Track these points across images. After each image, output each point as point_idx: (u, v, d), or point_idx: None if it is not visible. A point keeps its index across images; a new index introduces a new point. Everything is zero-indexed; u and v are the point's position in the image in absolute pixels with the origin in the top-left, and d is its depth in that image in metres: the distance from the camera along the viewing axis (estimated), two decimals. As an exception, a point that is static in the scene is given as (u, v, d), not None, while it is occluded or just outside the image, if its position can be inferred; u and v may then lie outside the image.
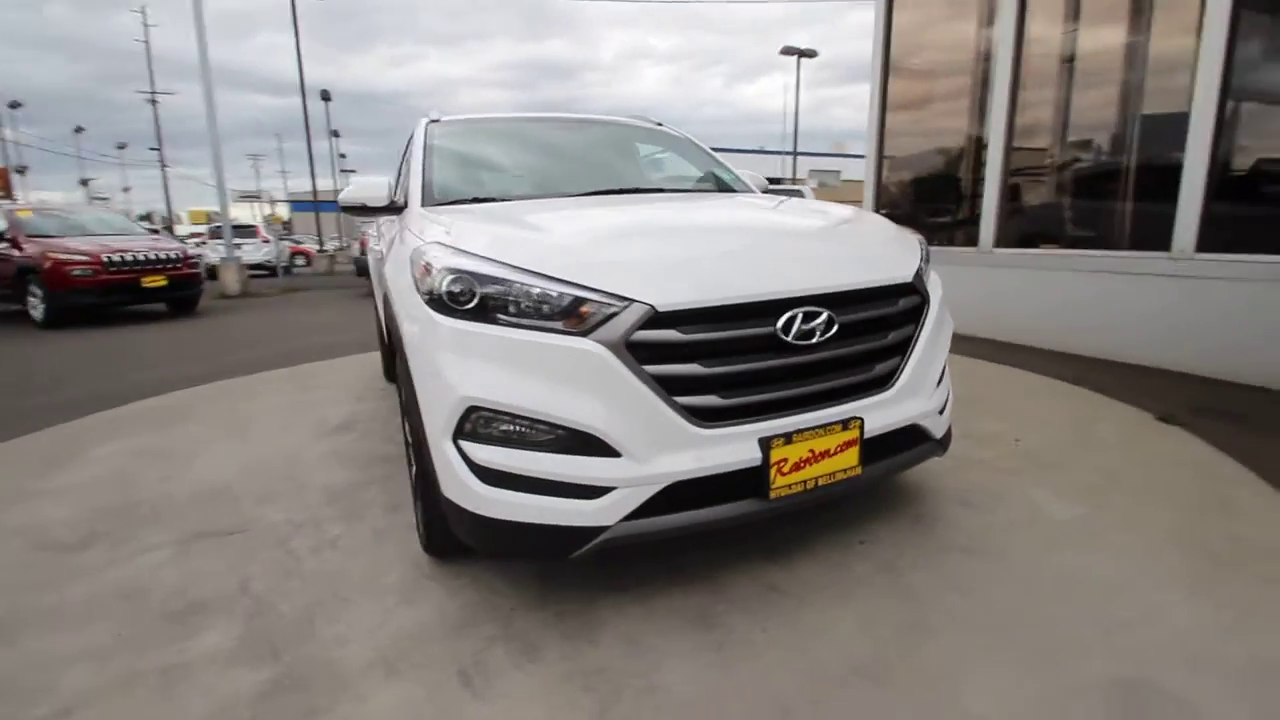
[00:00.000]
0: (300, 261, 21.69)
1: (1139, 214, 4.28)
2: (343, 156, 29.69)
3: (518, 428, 1.49)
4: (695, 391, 1.50)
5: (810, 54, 24.11)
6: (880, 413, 1.71)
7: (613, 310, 1.44)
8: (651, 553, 1.96)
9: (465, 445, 1.53)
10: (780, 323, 1.54)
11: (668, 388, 1.47)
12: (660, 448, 1.47)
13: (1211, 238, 3.64)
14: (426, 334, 1.61)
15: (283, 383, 4.60)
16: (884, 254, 1.85)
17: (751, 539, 2.05)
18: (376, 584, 1.95)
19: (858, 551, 2.00)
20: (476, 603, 1.83)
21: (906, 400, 1.78)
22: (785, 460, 1.56)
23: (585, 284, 1.47)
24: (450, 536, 1.85)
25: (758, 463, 1.54)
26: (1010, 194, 5.03)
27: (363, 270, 17.30)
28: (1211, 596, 1.70)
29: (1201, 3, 3.61)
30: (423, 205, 2.34)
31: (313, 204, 20.63)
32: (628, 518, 1.48)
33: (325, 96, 26.62)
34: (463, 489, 1.54)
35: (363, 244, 10.96)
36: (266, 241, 17.76)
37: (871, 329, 1.71)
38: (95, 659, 1.65)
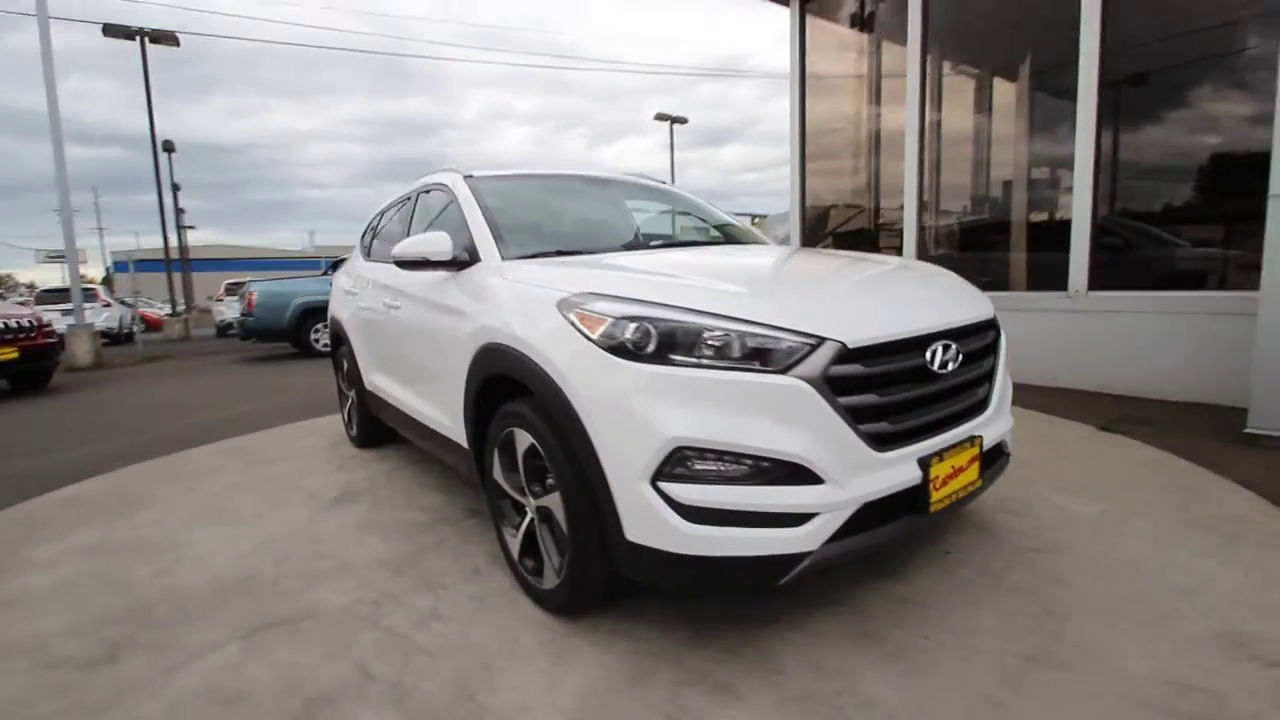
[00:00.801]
0: (139, 327, 19.19)
1: (1038, 261, 5.15)
2: (181, 211, 27.31)
3: (723, 464, 1.55)
4: (872, 419, 1.66)
5: (681, 120, 26.04)
6: (986, 431, 1.97)
7: (809, 348, 1.58)
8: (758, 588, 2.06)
9: (666, 486, 1.57)
10: (927, 355, 1.76)
11: (854, 417, 1.62)
12: (853, 472, 1.60)
13: (1098, 279, 4.48)
14: (609, 380, 1.64)
15: (225, 458, 4.11)
16: (969, 295, 2.16)
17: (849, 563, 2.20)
18: (517, 648, 1.86)
19: (950, 560, 2.22)
20: (636, 652, 1.81)
21: (998, 419, 2.06)
22: (938, 477, 1.76)
23: (781, 325, 1.60)
24: (591, 590, 1.84)
25: (919, 481, 1.72)
26: (923, 248, 5.81)
27: (228, 331, 15.73)
28: (1237, 562, 2.11)
29: (1074, 112, 4.54)
30: (503, 259, 2.34)
31: (161, 263, 18.30)
32: (828, 541, 1.59)
33: (169, 147, 24.38)
34: (663, 529, 1.57)
35: (250, 303, 10.08)
36: (108, 305, 15.59)
37: (978, 358, 1.98)
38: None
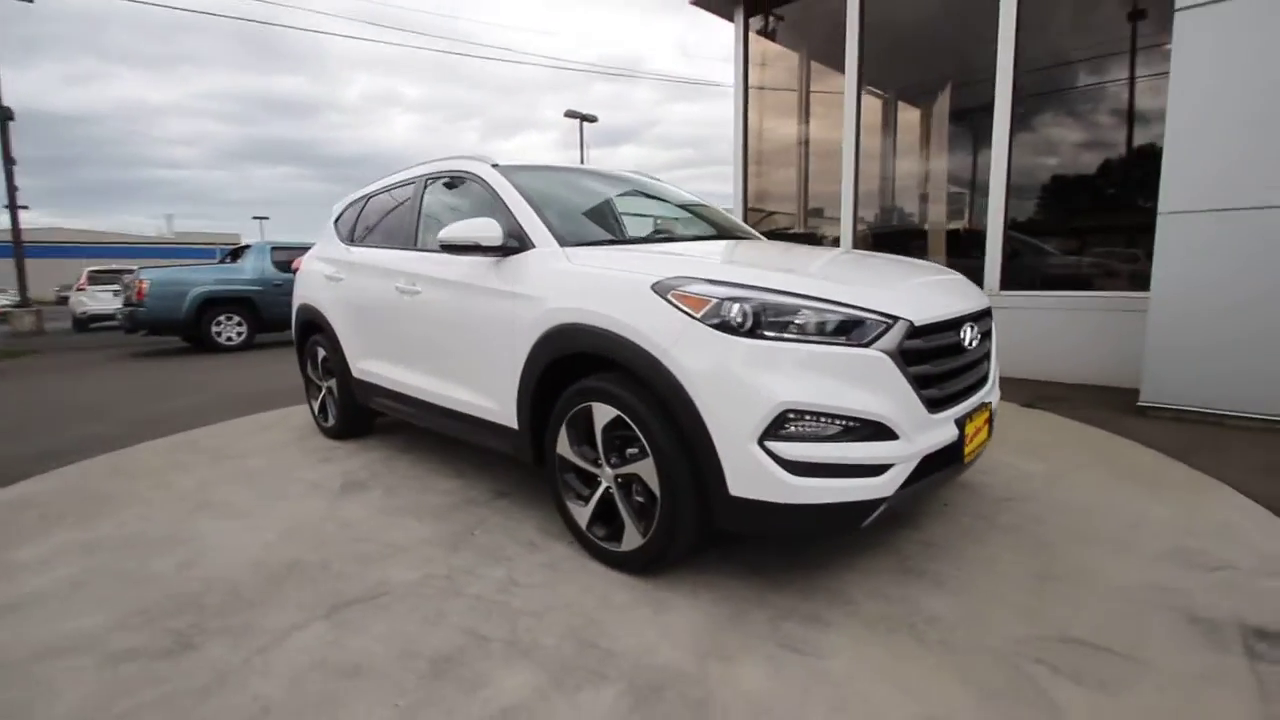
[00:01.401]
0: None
1: (955, 265, 5.86)
2: (15, 189, 24.01)
3: (819, 424, 1.81)
4: (927, 386, 1.98)
5: (591, 118, 26.14)
6: (990, 399, 2.37)
7: (886, 326, 1.87)
8: (843, 530, 2.36)
9: (772, 445, 1.79)
10: (961, 333, 2.12)
11: (917, 383, 1.93)
12: (917, 430, 1.91)
13: (1009, 280, 5.21)
14: (716, 353, 1.84)
15: (183, 454, 3.83)
16: (974, 288, 2.55)
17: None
18: (612, 604, 2.01)
19: (949, 511, 2.62)
20: (723, 599, 2.02)
21: (994, 390, 2.47)
22: (969, 435, 2.11)
23: (864, 306, 1.87)
24: (679, 548, 2.03)
25: (957, 437, 2.06)
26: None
27: (91, 325, 13.94)
28: (1162, 501, 2.66)
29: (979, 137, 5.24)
30: (561, 245, 2.46)
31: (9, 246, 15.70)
32: (900, 488, 1.89)
33: (6, 115, 21.30)
34: (770, 483, 1.79)
35: (140, 293, 9.11)
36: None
37: (985, 339, 2.37)
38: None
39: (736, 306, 1.86)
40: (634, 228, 3.04)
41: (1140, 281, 4.57)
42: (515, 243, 2.54)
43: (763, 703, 1.55)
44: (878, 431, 1.84)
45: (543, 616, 1.95)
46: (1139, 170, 5.03)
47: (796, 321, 1.84)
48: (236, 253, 10.54)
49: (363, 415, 3.98)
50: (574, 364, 2.28)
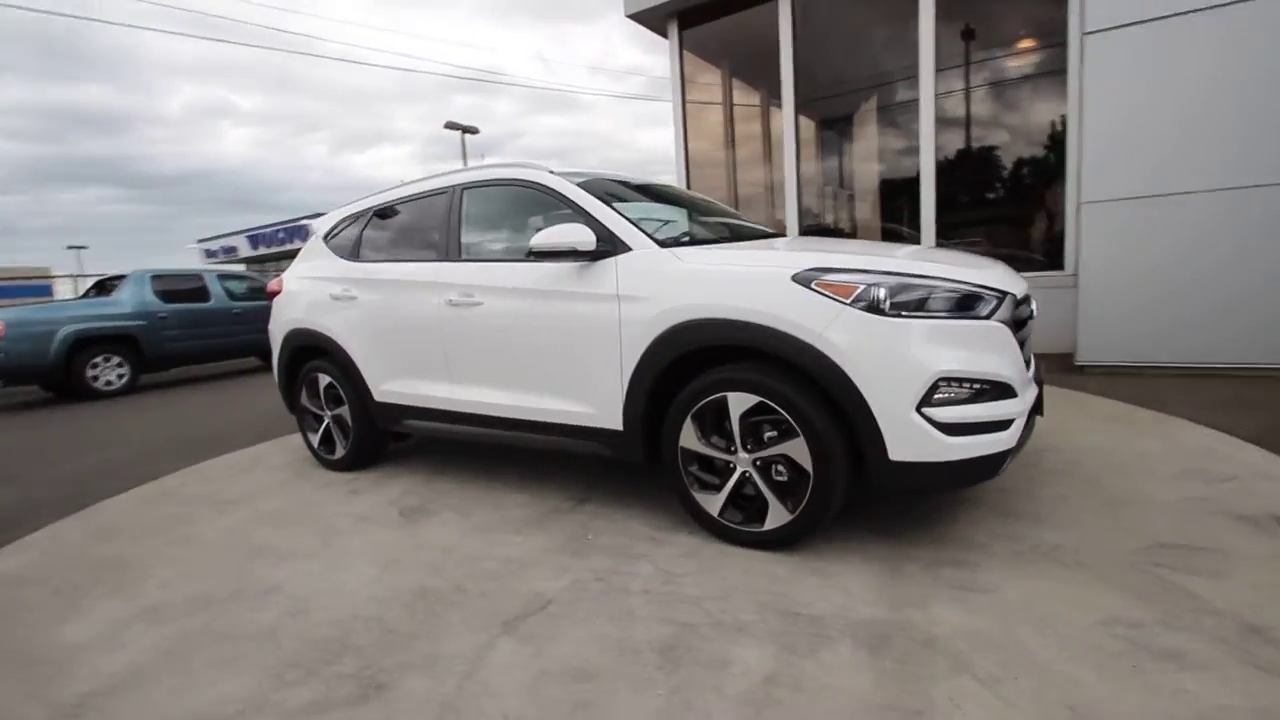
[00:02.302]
0: None
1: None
2: None
3: (962, 389, 2.05)
4: (1022, 348, 2.30)
5: (472, 130, 25.52)
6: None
7: (999, 299, 2.16)
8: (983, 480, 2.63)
9: (928, 411, 2.02)
10: (1031, 305, 2.47)
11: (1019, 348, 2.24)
12: (1024, 387, 2.21)
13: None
14: (870, 333, 2.04)
15: (172, 506, 3.40)
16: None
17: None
18: (779, 577, 2.13)
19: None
20: (874, 558, 2.21)
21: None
22: (1039, 393, 2.47)
23: (982, 284, 2.15)
24: (825, 520, 2.19)
25: (1038, 392, 2.41)
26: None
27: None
28: (1148, 436, 3.21)
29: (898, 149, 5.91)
30: (661, 247, 2.54)
31: None
32: (1019, 439, 2.18)
33: None
34: (929, 445, 2.01)
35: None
36: None
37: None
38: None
39: (882, 290, 2.07)
40: (696, 229, 3.16)
41: (1052, 263, 5.39)
42: (608, 246, 2.59)
43: (978, 633, 1.76)
44: (1003, 391, 2.12)
45: (728, 598, 2.04)
46: (1029, 170, 5.93)
47: (932, 300, 2.08)
48: (103, 284, 9.24)
49: (380, 442, 3.76)
50: (704, 355, 2.37)
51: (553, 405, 2.79)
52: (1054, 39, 5.26)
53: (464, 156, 24.48)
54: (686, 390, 2.38)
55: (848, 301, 2.08)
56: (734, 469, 2.35)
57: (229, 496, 3.49)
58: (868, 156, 7.33)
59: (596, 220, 2.66)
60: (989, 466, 2.12)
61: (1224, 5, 4.00)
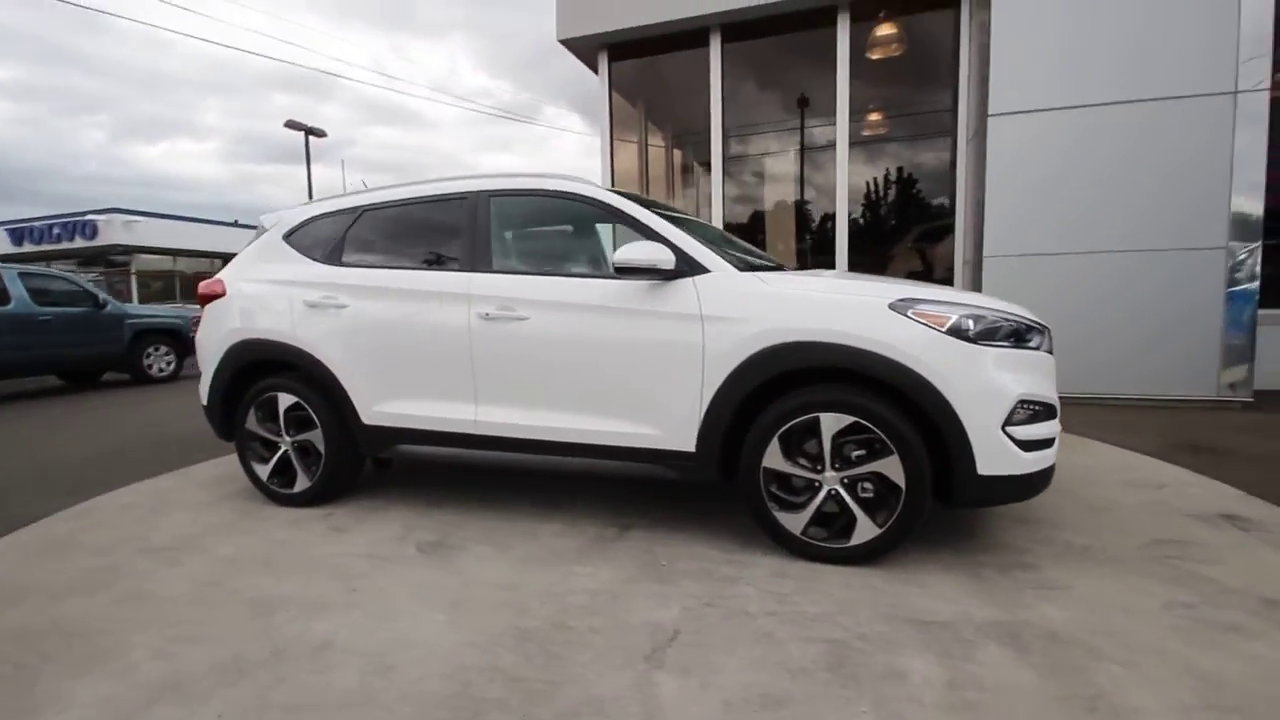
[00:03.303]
0: None
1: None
2: None
3: (1030, 410, 2.33)
4: (1046, 378, 2.67)
5: (319, 133, 23.33)
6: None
7: (1045, 331, 2.49)
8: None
9: (1010, 429, 2.26)
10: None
11: (1048, 376, 2.60)
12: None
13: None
14: (963, 359, 2.25)
15: (105, 558, 2.70)
16: None
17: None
18: (881, 589, 2.23)
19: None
20: (949, 569, 2.40)
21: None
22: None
23: (1033, 319, 2.47)
24: (912, 532, 2.35)
25: (1047, 415, 2.80)
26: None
27: None
28: (1079, 453, 3.83)
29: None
30: (739, 270, 2.59)
31: None
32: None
33: None
34: (1011, 460, 2.25)
35: None
36: None
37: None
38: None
39: (970, 321, 2.30)
40: (732, 255, 3.23)
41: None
42: (684, 266, 2.58)
43: (1085, 625, 1.99)
44: (1052, 413, 2.44)
45: (852, 613, 2.09)
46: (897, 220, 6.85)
47: (1005, 332, 2.36)
48: None
49: (356, 472, 3.31)
50: (780, 382, 2.44)
51: (609, 427, 2.67)
52: (946, 121, 6.21)
53: (307, 160, 22.32)
54: (772, 411, 2.43)
55: (943, 330, 2.29)
56: (819, 487, 2.42)
57: (161, 542, 2.85)
58: (776, 196, 7.95)
59: (668, 240, 2.64)
60: (1047, 479, 2.42)
61: (1080, 107, 5.03)
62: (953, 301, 2.38)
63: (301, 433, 3.20)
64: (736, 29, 6.67)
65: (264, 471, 3.29)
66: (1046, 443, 2.37)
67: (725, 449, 2.53)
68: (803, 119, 7.28)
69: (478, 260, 2.93)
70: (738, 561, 2.49)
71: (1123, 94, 4.84)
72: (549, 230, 3.01)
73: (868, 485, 2.38)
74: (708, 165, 7.17)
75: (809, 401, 2.39)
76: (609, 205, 2.80)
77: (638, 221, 2.72)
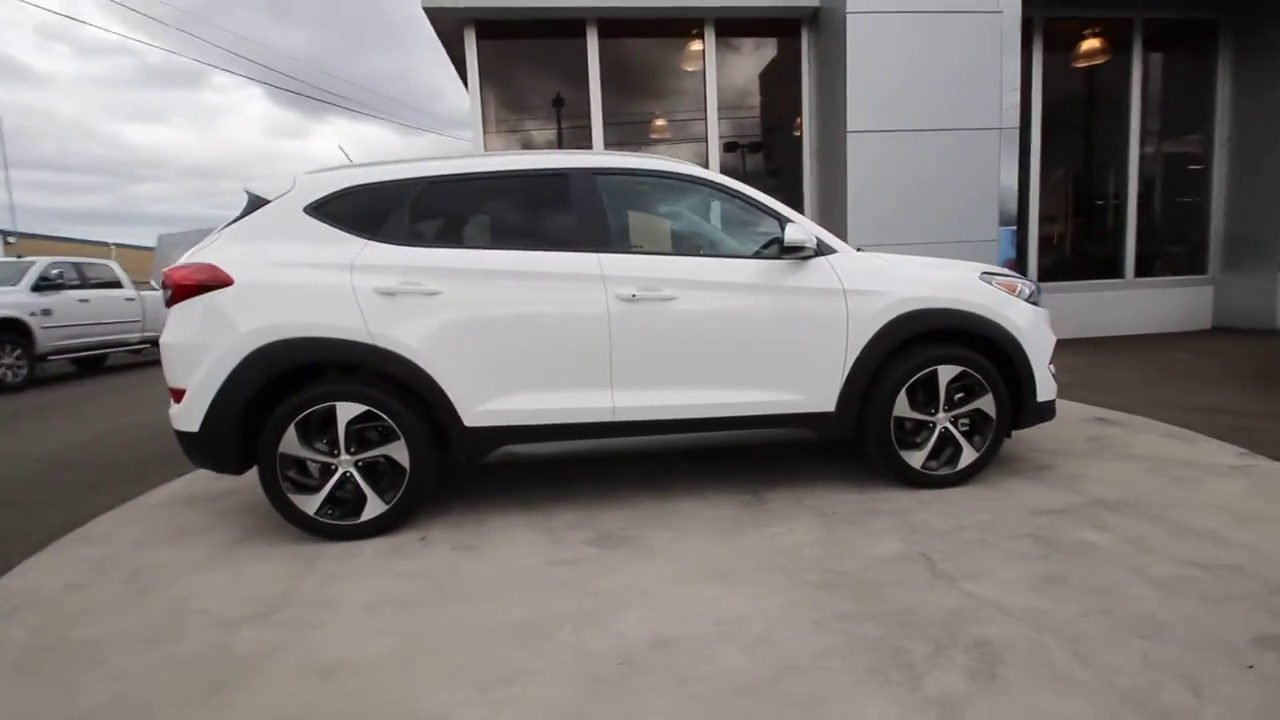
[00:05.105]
0: None
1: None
2: None
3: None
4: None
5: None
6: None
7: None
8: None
9: (1050, 367, 3.09)
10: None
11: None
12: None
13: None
14: (1031, 318, 3.00)
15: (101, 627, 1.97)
16: None
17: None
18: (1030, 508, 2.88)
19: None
20: (1026, 479, 3.16)
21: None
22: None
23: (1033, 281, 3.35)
24: (994, 457, 3.06)
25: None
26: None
27: None
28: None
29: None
30: (855, 249, 2.98)
31: None
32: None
33: None
34: (1051, 389, 3.05)
35: None
36: None
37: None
38: None
39: (1028, 288, 3.08)
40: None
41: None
42: (821, 248, 2.89)
43: (1132, 487, 2.88)
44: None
45: (1002, 515, 2.67)
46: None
47: (1038, 294, 3.19)
48: None
49: (433, 485, 2.88)
50: (923, 338, 2.93)
51: (755, 398, 2.86)
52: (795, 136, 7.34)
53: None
54: (902, 368, 2.90)
55: (1014, 294, 3.02)
56: (934, 427, 2.98)
57: (294, 615, 2.17)
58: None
59: (795, 223, 2.91)
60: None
61: (913, 131, 6.51)
62: (1008, 273, 3.14)
63: (371, 449, 2.67)
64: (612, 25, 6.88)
65: (311, 503, 2.64)
66: (1055, 378, 3.27)
67: (861, 406, 2.92)
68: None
69: (599, 240, 2.80)
70: (883, 498, 2.91)
71: (940, 124, 6.41)
72: (662, 210, 3.01)
73: (966, 420, 3.01)
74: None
75: (931, 356, 2.91)
76: (732, 189, 2.95)
77: (766, 207, 2.93)
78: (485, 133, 6.91)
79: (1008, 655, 1.75)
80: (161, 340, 2.73)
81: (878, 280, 2.92)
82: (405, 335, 2.62)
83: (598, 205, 2.84)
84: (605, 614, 2.03)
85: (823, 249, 2.90)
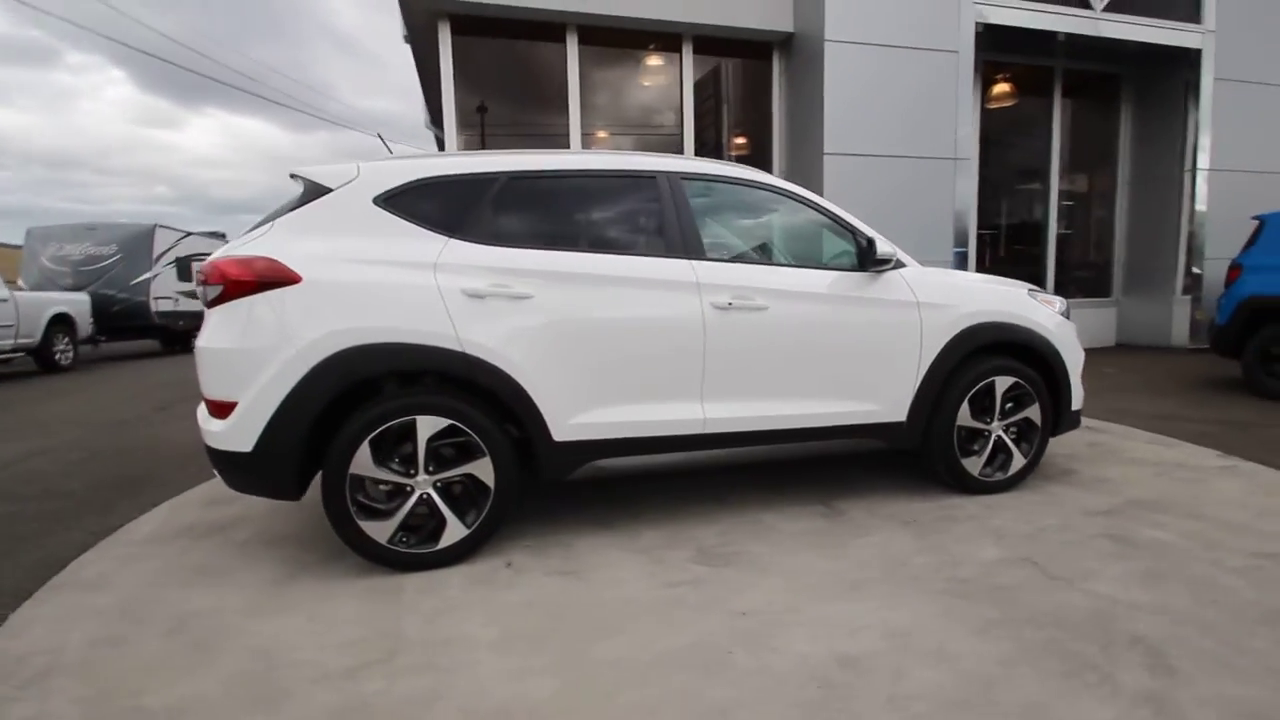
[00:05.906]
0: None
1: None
2: None
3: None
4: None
5: None
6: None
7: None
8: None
9: (1079, 376, 3.34)
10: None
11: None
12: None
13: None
14: (1067, 330, 3.22)
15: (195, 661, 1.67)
16: None
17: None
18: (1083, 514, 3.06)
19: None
20: (1075, 488, 3.37)
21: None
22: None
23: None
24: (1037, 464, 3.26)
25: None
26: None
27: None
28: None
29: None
30: (919, 264, 3.08)
31: None
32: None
33: None
34: (1080, 397, 3.30)
35: None
36: None
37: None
38: None
39: (1065, 305, 3.31)
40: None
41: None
42: (897, 262, 2.96)
43: (1167, 485, 3.15)
44: (1073, 365, 3.64)
45: (1070, 517, 2.84)
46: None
47: (1065, 309, 3.43)
48: None
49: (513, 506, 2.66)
50: (987, 350, 3.06)
51: (836, 408, 2.87)
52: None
53: None
54: (965, 378, 3.02)
55: (1055, 309, 3.24)
56: (989, 435, 3.12)
57: (415, 660, 1.90)
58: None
59: (871, 237, 2.96)
60: (1078, 411, 3.59)
61: (883, 156, 6.88)
62: (1041, 290, 3.37)
63: (451, 467, 2.42)
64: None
65: (384, 530, 2.36)
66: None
67: (930, 416, 3.01)
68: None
69: (689, 246, 2.72)
70: (949, 505, 3.00)
71: (901, 151, 6.82)
72: (748, 218, 2.97)
73: (1013, 428, 3.18)
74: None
75: (992, 367, 3.06)
76: (810, 200, 2.97)
77: (844, 220, 2.97)
78: (458, 132, 6.59)
79: (1168, 649, 1.84)
80: (199, 344, 2.35)
81: (946, 294, 3.03)
82: (495, 342, 2.41)
83: (686, 210, 2.76)
84: (767, 634, 1.95)
85: (896, 263, 2.98)
